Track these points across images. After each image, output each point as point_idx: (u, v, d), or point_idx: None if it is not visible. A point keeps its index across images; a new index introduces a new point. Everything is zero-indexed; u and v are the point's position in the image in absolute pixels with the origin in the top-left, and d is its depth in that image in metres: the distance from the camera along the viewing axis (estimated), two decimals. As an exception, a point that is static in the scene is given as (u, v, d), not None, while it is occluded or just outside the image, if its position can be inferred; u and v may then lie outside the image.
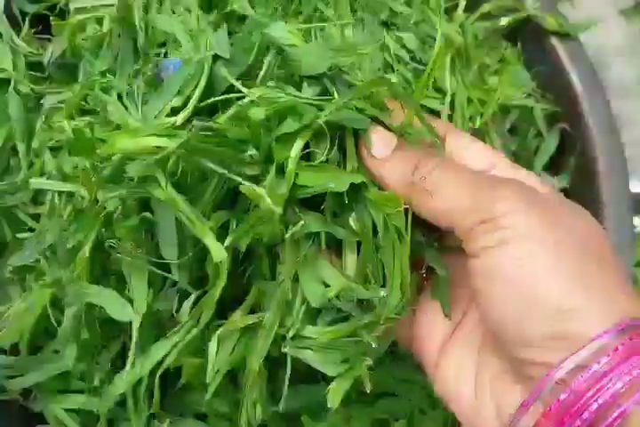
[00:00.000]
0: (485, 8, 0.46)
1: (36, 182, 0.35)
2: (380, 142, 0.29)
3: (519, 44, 0.45)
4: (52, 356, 0.36)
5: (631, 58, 0.59)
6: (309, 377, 0.35)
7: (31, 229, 0.39)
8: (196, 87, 0.30)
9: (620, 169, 0.36)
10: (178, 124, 0.30)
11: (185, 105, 0.30)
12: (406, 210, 0.28)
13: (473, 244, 0.27)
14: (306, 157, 0.29)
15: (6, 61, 0.41)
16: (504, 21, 0.45)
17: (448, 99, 0.38)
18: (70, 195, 0.36)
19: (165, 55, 0.40)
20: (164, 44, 0.40)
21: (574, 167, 0.39)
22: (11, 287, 0.39)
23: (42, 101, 0.41)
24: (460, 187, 0.27)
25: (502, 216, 0.26)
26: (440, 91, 0.40)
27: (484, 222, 0.26)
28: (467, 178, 0.28)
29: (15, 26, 0.43)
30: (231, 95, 0.30)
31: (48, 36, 0.44)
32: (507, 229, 0.26)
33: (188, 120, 0.30)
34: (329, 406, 0.29)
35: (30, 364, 0.36)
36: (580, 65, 0.40)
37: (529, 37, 0.44)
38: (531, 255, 0.25)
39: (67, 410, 0.37)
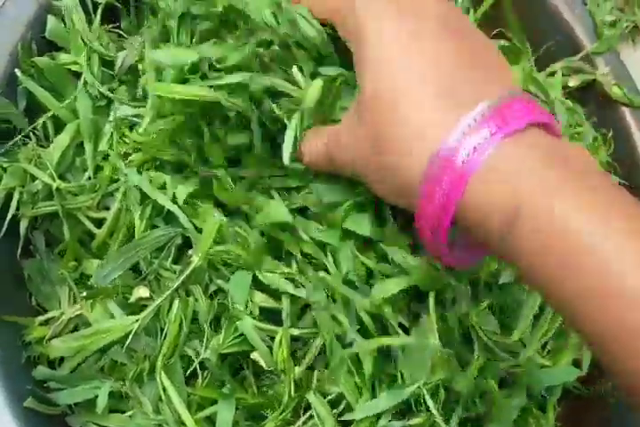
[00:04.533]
0: (554, 67, 0.45)
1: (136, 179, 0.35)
2: None
3: (588, 105, 0.45)
4: (96, 374, 0.35)
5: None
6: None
7: (90, 235, 0.38)
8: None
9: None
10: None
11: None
12: None
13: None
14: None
15: (80, 56, 0.39)
16: (572, 82, 0.45)
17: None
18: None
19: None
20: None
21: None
22: (59, 288, 0.38)
23: (112, 108, 0.39)
24: None
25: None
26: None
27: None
28: None
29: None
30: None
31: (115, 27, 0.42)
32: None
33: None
34: None
35: (73, 380, 0.35)
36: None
37: (599, 100, 0.45)
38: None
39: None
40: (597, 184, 0.24)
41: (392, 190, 0.29)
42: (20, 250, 0.37)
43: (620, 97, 0.44)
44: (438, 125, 0.26)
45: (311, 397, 0.33)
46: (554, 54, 0.46)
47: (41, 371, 0.35)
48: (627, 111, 0.44)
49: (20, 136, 0.37)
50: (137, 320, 0.32)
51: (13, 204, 0.36)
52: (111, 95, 0.38)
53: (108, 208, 0.37)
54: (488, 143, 0.24)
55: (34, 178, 0.37)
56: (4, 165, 0.36)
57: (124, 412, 0.35)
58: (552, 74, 0.46)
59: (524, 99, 0.26)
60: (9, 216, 0.36)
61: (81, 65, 0.39)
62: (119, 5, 0.42)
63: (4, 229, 0.36)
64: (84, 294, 0.34)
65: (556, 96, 0.42)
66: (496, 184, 0.24)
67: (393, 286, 0.32)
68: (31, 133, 0.38)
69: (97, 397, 0.34)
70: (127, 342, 0.32)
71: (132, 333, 0.32)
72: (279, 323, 0.34)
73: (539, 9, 0.46)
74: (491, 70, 0.28)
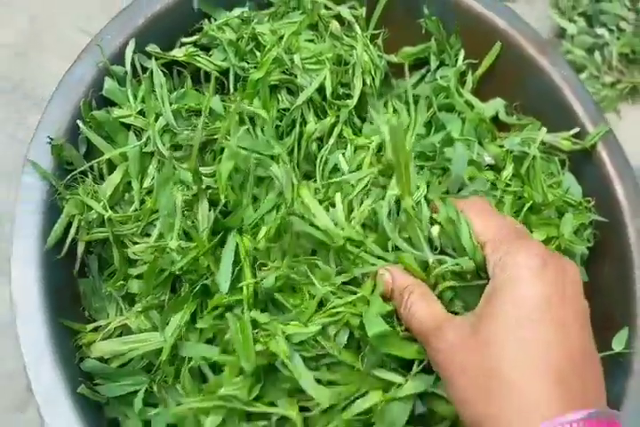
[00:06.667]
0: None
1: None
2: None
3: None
4: (136, 372, 0.42)
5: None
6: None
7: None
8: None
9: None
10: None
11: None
12: None
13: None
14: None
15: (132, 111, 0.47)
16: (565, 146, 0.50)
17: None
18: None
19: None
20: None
21: (612, 274, 0.46)
22: (108, 303, 0.45)
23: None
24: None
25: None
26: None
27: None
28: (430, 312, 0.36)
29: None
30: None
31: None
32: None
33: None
34: None
35: (116, 375, 0.42)
36: (627, 183, 0.47)
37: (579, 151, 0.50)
38: None
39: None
40: None
41: (469, 409, 0.32)
42: (77, 270, 0.45)
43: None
44: (541, 410, 0.30)
45: None
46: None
47: (90, 363, 0.41)
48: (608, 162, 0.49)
49: (76, 171, 0.45)
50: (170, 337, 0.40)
51: (73, 229, 0.44)
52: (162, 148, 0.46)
53: (149, 235, 0.44)
54: None
55: (90, 208, 0.44)
56: (67, 197, 0.44)
57: (155, 405, 0.41)
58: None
59: (617, 422, 0.31)
60: (69, 239, 0.44)
61: (134, 117, 0.47)
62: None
63: (64, 250, 0.43)
64: (138, 307, 0.41)
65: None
66: None
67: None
68: (89, 173, 0.46)
69: (132, 392, 0.41)
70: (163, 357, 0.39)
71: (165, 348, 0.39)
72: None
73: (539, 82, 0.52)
74: (597, 379, 0.33)
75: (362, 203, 0.41)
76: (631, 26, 0.64)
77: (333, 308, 0.37)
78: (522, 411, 0.30)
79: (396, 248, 0.39)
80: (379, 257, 0.39)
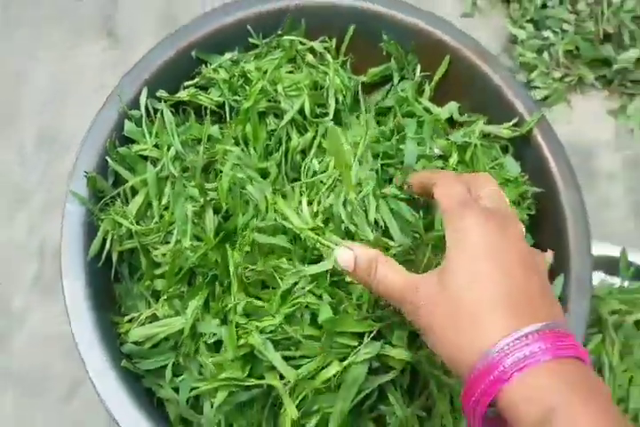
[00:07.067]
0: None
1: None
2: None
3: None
4: (166, 349, 0.52)
5: (618, 149, 0.73)
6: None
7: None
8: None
9: (584, 231, 0.52)
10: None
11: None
12: None
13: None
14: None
15: (149, 146, 0.58)
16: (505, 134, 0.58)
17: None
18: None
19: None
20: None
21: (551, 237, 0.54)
22: (139, 301, 0.55)
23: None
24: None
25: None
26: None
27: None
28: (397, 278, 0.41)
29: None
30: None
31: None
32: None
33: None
34: None
35: (149, 354, 0.52)
36: (560, 161, 0.55)
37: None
38: None
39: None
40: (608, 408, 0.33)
41: (449, 348, 0.37)
42: (112, 276, 0.55)
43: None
44: (498, 330, 0.35)
45: None
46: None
47: (128, 347, 0.51)
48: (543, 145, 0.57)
49: (108, 197, 0.55)
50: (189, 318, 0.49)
51: (108, 242, 0.54)
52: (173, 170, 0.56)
53: (168, 242, 0.54)
54: (533, 357, 0.33)
55: (120, 225, 0.55)
56: (102, 217, 0.55)
57: (180, 375, 0.51)
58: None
59: (571, 334, 0.35)
60: (105, 251, 0.54)
61: (150, 150, 0.58)
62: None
63: (102, 259, 0.54)
64: (164, 297, 0.51)
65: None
66: (530, 392, 0.33)
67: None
68: (117, 197, 0.57)
69: (163, 366, 0.51)
70: (185, 334, 0.49)
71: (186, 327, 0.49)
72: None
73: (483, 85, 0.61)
74: (550, 304, 0.37)
75: (328, 197, 0.50)
76: (573, 26, 0.72)
77: (295, 299, 0.47)
78: (483, 334, 0.35)
79: (349, 235, 0.48)
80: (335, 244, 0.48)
